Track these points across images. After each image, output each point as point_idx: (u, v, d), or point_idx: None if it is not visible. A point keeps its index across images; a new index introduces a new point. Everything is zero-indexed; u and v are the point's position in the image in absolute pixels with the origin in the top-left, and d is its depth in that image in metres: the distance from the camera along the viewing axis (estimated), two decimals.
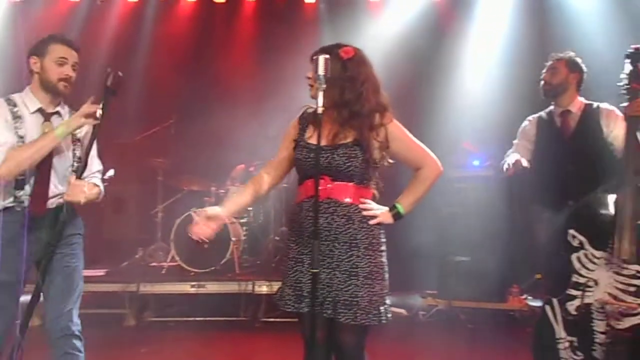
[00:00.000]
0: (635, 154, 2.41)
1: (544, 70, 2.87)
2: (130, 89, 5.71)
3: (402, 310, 4.73)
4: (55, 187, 2.26)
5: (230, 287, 4.25)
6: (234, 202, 2.18)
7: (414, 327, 4.37)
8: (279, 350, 3.59)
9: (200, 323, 4.20)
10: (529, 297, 4.44)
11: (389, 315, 1.93)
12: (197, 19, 6.00)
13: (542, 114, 2.94)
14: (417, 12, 5.45)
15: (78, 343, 2.29)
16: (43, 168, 2.20)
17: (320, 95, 1.79)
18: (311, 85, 1.99)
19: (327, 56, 1.83)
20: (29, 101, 2.26)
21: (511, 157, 2.81)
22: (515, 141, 3.00)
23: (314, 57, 1.84)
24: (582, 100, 2.86)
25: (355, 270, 1.86)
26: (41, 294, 2.17)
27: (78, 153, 2.35)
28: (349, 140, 1.92)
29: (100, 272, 4.63)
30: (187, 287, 4.24)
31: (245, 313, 4.33)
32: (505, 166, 2.78)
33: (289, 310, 1.89)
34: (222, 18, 6.05)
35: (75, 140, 2.35)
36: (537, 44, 4.80)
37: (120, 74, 2.11)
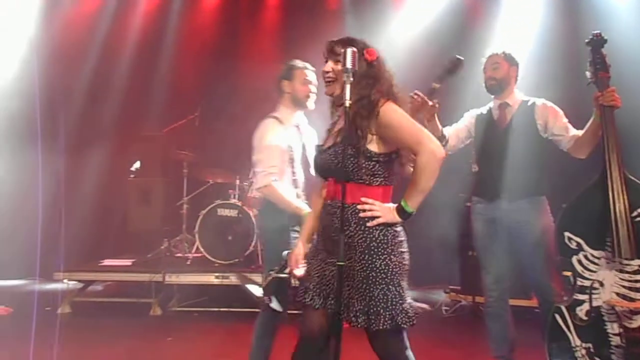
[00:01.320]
0: (617, 144, 2.34)
1: (483, 66, 2.87)
2: (156, 82, 5.82)
3: (426, 306, 4.71)
4: None
5: (254, 278, 4.30)
6: (307, 233, 2.11)
7: (437, 322, 4.34)
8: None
9: (224, 314, 4.26)
10: None
11: (405, 319, 1.84)
12: (222, 12, 6.05)
13: (482, 109, 2.93)
14: (443, 6, 5.37)
15: None
16: None
17: (348, 89, 1.79)
18: (330, 81, 1.93)
19: (355, 49, 1.81)
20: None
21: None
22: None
23: (341, 50, 1.80)
24: (519, 94, 2.85)
25: (352, 273, 1.82)
26: None
27: None
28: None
29: (127, 262, 4.74)
30: (211, 278, 4.29)
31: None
32: None
33: (310, 303, 1.89)
34: (246, 10, 6.09)
35: None
36: (567, 40, 4.69)
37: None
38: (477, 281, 3.01)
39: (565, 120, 2.73)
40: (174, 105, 5.60)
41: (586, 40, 2.51)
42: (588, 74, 2.50)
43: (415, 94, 2.64)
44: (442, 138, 2.81)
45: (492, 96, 2.89)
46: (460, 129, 2.95)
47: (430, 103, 2.67)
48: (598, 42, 2.49)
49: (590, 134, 2.55)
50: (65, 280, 4.46)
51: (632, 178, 2.35)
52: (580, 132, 2.64)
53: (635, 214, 2.31)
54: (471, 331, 3.93)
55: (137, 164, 5.51)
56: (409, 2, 5.44)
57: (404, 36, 5.41)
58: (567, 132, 2.69)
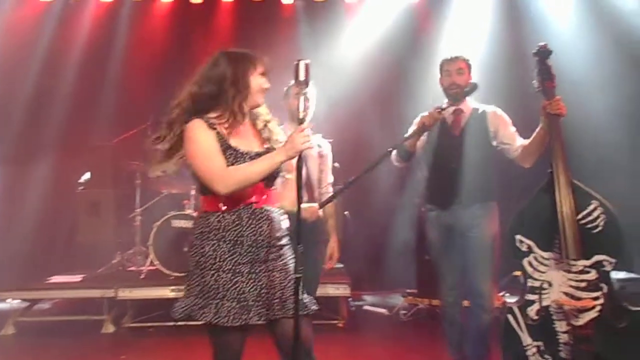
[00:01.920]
0: (563, 151, 2.45)
1: (445, 69, 2.84)
2: (105, 91, 5.63)
3: (384, 310, 4.76)
4: None
5: None
6: None
7: (395, 326, 4.40)
8: (263, 353, 3.57)
9: (180, 328, 4.12)
10: (507, 294, 4.51)
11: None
12: (173, 20, 5.93)
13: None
14: (394, 14, 5.49)
15: None
16: None
17: (302, 100, 1.80)
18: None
19: (308, 61, 1.83)
20: None
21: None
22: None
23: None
24: (472, 102, 2.90)
25: (289, 267, 1.90)
26: None
27: None
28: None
29: (76, 278, 4.55)
30: (166, 292, 4.17)
31: None
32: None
33: (237, 324, 1.78)
34: (198, 18, 5.99)
35: None
36: (511, 45, 4.90)
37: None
38: (433, 284, 3.08)
39: (513, 129, 2.81)
40: (125, 115, 5.43)
41: (533, 51, 2.59)
42: (535, 83, 2.58)
43: (438, 112, 2.66)
44: (414, 153, 2.83)
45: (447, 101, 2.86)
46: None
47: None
48: (544, 53, 2.57)
49: (537, 142, 2.63)
50: (8, 300, 4.22)
51: (577, 183, 2.47)
52: (526, 142, 2.71)
53: (580, 216, 2.42)
54: (429, 334, 3.99)
55: (87, 176, 5.30)
56: (361, 12, 5.52)
57: (358, 44, 5.50)
58: (514, 141, 2.76)
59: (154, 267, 4.54)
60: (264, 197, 1.89)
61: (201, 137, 1.80)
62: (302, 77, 1.80)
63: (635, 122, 4.63)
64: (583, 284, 2.39)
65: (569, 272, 2.41)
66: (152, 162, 1.95)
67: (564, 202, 2.41)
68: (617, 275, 4.66)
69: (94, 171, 5.22)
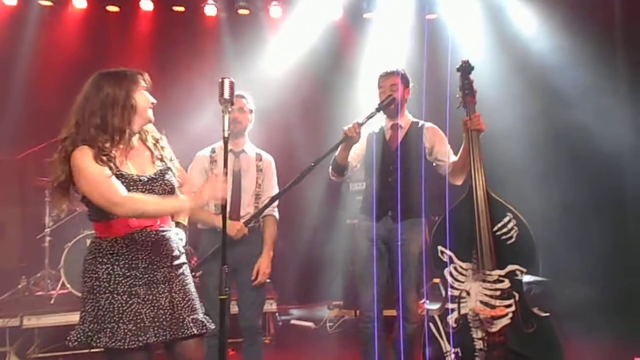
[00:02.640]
0: (482, 165, 2.58)
1: (380, 87, 2.87)
2: (11, 101, 5.20)
3: (310, 324, 4.77)
4: None
5: None
6: None
7: (322, 339, 4.42)
8: None
9: (96, 354, 3.86)
10: (427, 301, 4.69)
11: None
12: (88, 27, 5.62)
13: (373, 128, 2.95)
14: (317, 29, 5.59)
15: None
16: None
17: (226, 119, 1.79)
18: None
19: (232, 80, 1.84)
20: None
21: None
22: None
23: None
24: (410, 116, 2.96)
25: (188, 286, 1.96)
26: None
27: None
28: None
29: None
30: (78, 317, 3.89)
31: None
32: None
33: (133, 346, 1.76)
34: (116, 26, 5.73)
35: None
36: (430, 64, 5.15)
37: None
38: (358, 295, 3.07)
39: (448, 147, 2.88)
40: (33, 127, 5.02)
41: (457, 67, 2.71)
42: (458, 97, 2.69)
43: (358, 124, 2.63)
44: (347, 166, 2.84)
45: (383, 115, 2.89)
46: (358, 148, 2.89)
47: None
48: (466, 68, 2.70)
49: (462, 158, 2.72)
50: None
51: (494, 196, 2.60)
52: (455, 158, 2.82)
53: (495, 228, 2.55)
54: (355, 346, 4.03)
55: None
56: (285, 26, 5.56)
57: (282, 58, 5.53)
58: (448, 158, 2.84)
59: (65, 291, 4.22)
60: (158, 220, 1.88)
61: (87, 164, 1.75)
62: (226, 94, 1.78)
63: (536, 136, 5.07)
64: (497, 293, 2.53)
65: (485, 281, 2.54)
66: (54, 202, 1.90)
67: (482, 214, 2.53)
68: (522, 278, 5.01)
69: None
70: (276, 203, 2.83)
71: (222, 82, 1.79)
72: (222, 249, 1.77)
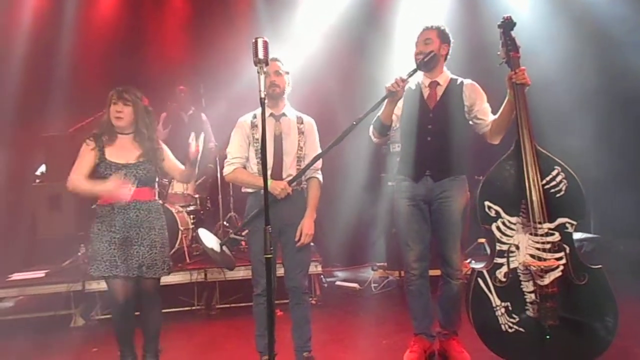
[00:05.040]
0: (528, 119, 2.54)
1: (415, 42, 2.82)
2: (58, 79, 5.40)
3: (355, 285, 4.84)
4: None
5: (182, 277, 4.18)
6: None
7: (367, 299, 4.49)
8: (236, 336, 3.59)
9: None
10: (472, 261, 4.67)
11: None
12: (127, 3, 5.73)
13: (410, 85, 2.85)
14: None
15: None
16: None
17: (262, 79, 1.78)
18: (120, 118, 2.70)
19: (266, 39, 1.83)
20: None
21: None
22: None
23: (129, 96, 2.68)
24: (448, 73, 2.87)
25: (155, 242, 2.70)
26: None
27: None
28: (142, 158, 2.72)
29: (40, 274, 4.41)
30: None
31: (199, 302, 4.28)
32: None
33: (107, 275, 2.61)
34: (153, 1, 5.82)
35: None
36: (470, 22, 4.94)
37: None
38: (402, 256, 3.09)
39: (488, 104, 2.80)
40: (80, 102, 5.22)
41: (498, 23, 2.63)
42: (500, 54, 2.62)
43: (401, 79, 2.60)
44: (390, 125, 2.79)
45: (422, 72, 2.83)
46: (396, 107, 2.81)
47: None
48: (508, 24, 2.63)
49: (505, 114, 2.66)
50: None
51: (541, 149, 2.56)
52: (496, 117, 2.74)
53: (544, 182, 2.53)
54: (400, 305, 4.09)
55: (43, 168, 5.10)
56: None
57: (316, 20, 5.45)
58: (487, 116, 2.77)
59: None
60: (131, 194, 2.65)
61: (82, 152, 2.74)
62: (260, 54, 1.77)
63: (589, 90, 4.80)
64: (547, 246, 2.51)
65: (535, 235, 2.52)
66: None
67: (530, 168, 2.51)
68: (573, 235, 4.89)
69: (50, 163, 5.02)
70: (320, 165, 2.84)
71: (256, 42, 1.78)
72: (265, 209, 1.80)
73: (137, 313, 2.78)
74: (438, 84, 2.83)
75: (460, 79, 2.86)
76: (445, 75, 2.86)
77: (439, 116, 2.78)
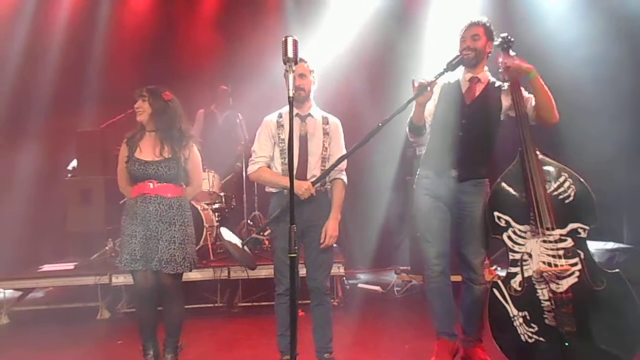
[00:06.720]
0: (529, 129, 2.57)
1: (460, 38, 2.76)
2: (91, 76, 5.54)
3: (378, 288, 4.81)
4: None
5: (206, 273, 4.22)
6: None
7: (389, 303, 4.45)
8: (257, 334, 3.60)
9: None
10: (498, 268, 4.57)
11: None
12: (160, 2, 5.83)
13: (448, 79, 2.80)
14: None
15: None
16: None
17: (291, 77, 1.78)
18: (141, 112, 2.81)
19: (295, 38, 1.83)
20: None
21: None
22: None
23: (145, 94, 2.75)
24: (488, 74, 2.81)
25: (174, 238, 2.74)
26: None
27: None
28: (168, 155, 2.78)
29: (69, 266, 4.52)
30: None
31: (222, 299, 4.32)
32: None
33: (128, 269, 2.70)
34: (184, 1, 5.91)
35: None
36: (500, 23, 4.84)
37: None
38: (422, 254, 2.99)
39: (527, 93, 2.72)
40: (112, 99, 5.34)
41: (495, 43, 2.74)
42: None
43: (428, 82, 2.58)
44: (424, 126, 2.76)
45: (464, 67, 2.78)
46: (430, 104, 2.77)
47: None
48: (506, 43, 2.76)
49: (537, 101, 2.62)
50: (0, 290, 4.20)
51: (545, 158, 2.58)
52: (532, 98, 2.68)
53: (551, 188, 2.51)
54: (423, 310, 4.03)
55: (74, 163, 5.23)
56: None
57: (346, 21, 5.43)
58: (530, 104, 2.69)
59: None
60: (153, 188, 2.75)
61: (121, 151, 2.88)
62: (290, 53, 1.77)
63: (624, 91, 4.63)
64: (561, 252, 2.46)
65: (546, 242, 2.47)
66: None
67: (535, 175, 2.50)
68: (605, 245, 4.73)
69: (82, 158, 5.15)
70: (344, 166, 2.82)
71: (286, 41, 1.77)
72: (290, 209, 1.79)
73: (160, 308, 2.82)
74: (479, 80, 2.78)
75: (498, 82, 2.80)
76: (486, 74, 2.81)
77: (475, 112, 2.73)
